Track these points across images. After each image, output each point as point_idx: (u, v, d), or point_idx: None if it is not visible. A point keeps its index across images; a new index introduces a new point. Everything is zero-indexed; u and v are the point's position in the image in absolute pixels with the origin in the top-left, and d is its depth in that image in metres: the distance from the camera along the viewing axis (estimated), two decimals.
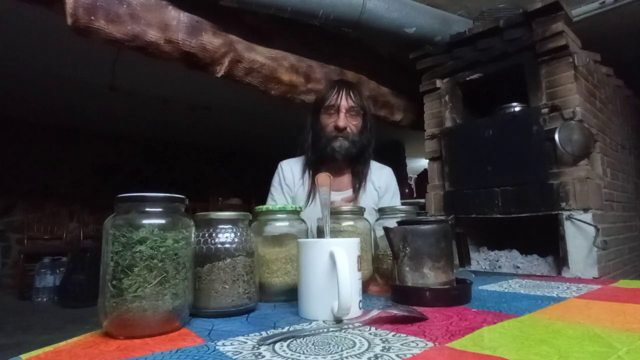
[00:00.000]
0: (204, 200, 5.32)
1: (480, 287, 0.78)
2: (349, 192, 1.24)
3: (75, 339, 0.48)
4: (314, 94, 2.06)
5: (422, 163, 3.84)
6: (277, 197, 1.28)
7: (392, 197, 1.31)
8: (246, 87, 2.12)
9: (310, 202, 1.22)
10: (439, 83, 2.32)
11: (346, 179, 1.27)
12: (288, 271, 0.70)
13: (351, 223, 0.80)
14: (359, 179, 1.25)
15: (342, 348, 0.43)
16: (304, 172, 1.27)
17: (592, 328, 0.48)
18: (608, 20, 2.34)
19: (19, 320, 3.13)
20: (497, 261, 1.99)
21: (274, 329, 0.51)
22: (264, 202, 1.29)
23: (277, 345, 0.44)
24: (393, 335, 0.47)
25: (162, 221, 0.52)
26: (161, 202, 0.53)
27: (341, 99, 1.19)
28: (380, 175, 1.31)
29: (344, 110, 1.19)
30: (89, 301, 3.39)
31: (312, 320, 0.56)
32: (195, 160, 6.06)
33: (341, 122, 1.17)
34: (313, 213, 1.01)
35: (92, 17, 1.53)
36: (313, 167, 1.26)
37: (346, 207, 0.82)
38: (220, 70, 1.94)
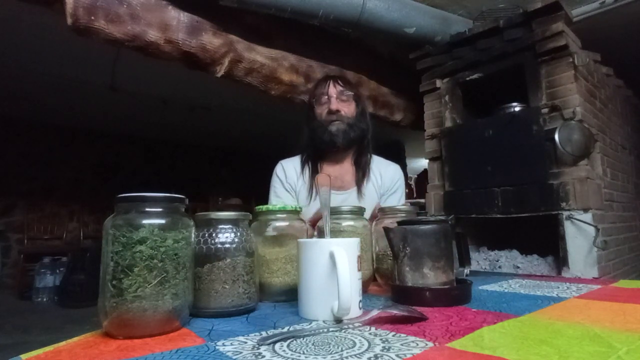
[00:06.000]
0: (204, 200, 5.32)
1: (480, 287, 0.78)
2: (352, 192, 1.22)
3: (75, 339, 0.48)
4: None
5: (422, 163, 3.84)
6: (280, 197, 1.26)
7: (399, 197, 1.28)
8: (246, 87, 2.12)
9: (311, 199, 1.21)
10: (439, 83, 2.32)
11: (348, 175, 1.25)
12: (288, 271, 0.70)
13: (351, 223, 0.80)
14: (362, 172, 1.23)
15: (342, 348, 0.43)
16: (303, 169, 1.27)
17: (592, 328, 0.48)
18: (608, 20, 2.34)
19: (19, 320, 3.13)
20: (497, 261, 1.99)
21: (274, 329, 0.51)
22: (264, 202, 1.28)
23: (277, 345, 0.44)
24: (393, 335, 0.47)
25: (162, 221, 0.52)
26: (161, 202, 0.53)
27: (329, 86, 1.24)
28: (387, 173, 1.28)
29: (334, 95, 1.22)
30: (89, 301, 3.38)
31: (312, 320, 0.56)
32: (195, 160, 6.06)
33: (333, 105, 1.20)
34: (314, 210, 1.00)
35: (92, 17, 1.53)
36: (312, 161, 1.25)
37: (346, 207, 0.82)
38: (220, 70, 1.94)
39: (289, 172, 1.28)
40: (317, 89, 1.29)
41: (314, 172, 1.24)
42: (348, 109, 1.22)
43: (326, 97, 1.23)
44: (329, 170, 1.24)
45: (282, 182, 1.27)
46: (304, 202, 1.21)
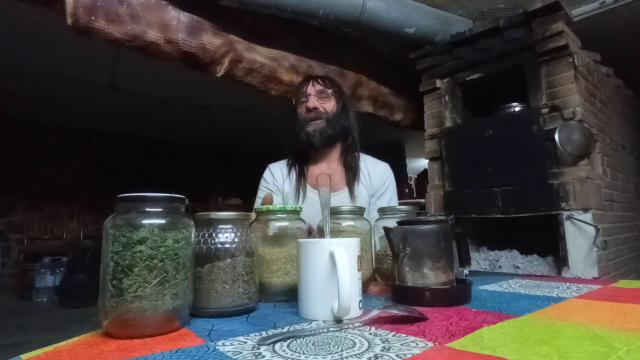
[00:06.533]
0: (204, 200, 5.32)
1: (480, 287, 0.78)
2: (343, 192, 1.20)
3: (75, 339, 0.48)
4: None
5: (422, 163, 3.84)
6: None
7: (390, 198, 1.25)
8: (246, 87, 2.12)
9: (299, 201, 1.20)
10: (439, 83, 2.32)
11: (337, 175, 1.22)
12: (288, 271, 0.70)
13: (351, 223, 0.80)
14: (353, 173, 1.21)
15: (342, 348, 0.43)
16: (289, 171, 1.26)
17: (592, 328, 0.48)
18: (608, 20, 2.34)
19: (19, 320, 3.13)
20: (497, 261, 1.99)
21: (274, 329, 0.51)
22: None
23: (277, 345, 0.44)
24: (393, 335, 0.47)
25: (162, 221, 0.52)
26: (161, 202, 0.53)
27: (308, 86, 1.23)
28: (375, 172, 1.25)
29: (312, 93, 1.21)
30: (89, 301, 3.39)
31: (312, 320, 0.56)
32: (195, 161, 6.05)
33: (310, 103, 1.19)
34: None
35: (92, 17, 1.53)
36: (298, 163, 1.24)
37: (346, 207, 0.82)
38: (220, 70, 1.94)
39: (276, 175, 1.27)
40: (297, 89, 1.29)
41: (300, 174, 1.23)
42: (327, 106, 1.21)
43: (305, 96, 1.22)
44: (316, 171, 1.23)
45: (269, 184, 1.27)
46: (292, 205, 1.20)
